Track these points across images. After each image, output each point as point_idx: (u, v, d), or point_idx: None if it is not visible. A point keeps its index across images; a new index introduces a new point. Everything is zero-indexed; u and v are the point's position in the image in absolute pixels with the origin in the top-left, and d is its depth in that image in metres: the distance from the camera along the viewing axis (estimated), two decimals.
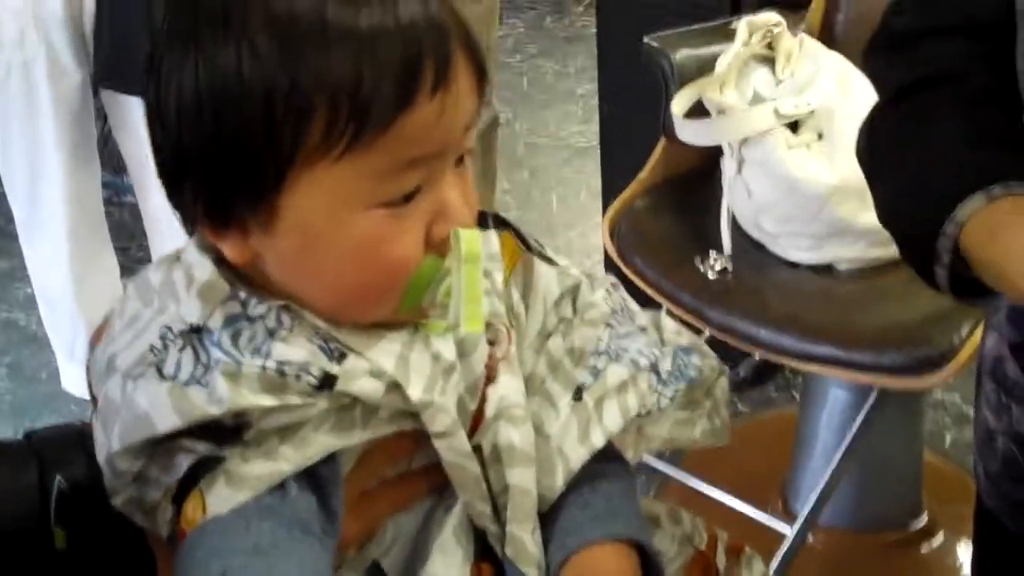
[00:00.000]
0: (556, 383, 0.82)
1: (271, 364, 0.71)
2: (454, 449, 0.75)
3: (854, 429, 1.96)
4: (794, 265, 1.85)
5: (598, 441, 0.79)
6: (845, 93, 1.86)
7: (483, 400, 0.77)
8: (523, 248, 0.83)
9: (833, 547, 2.12)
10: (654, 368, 0.82)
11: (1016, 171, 0.86)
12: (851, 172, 1.77)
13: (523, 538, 0.77)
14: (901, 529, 2.16)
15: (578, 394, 0.81)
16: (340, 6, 0.69)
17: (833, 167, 1.78)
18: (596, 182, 2.75)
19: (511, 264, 0.83)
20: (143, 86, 0.74)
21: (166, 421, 0.70)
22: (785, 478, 2.20)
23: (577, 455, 0.79)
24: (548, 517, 0.80)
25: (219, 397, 0.70)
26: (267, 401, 0.70)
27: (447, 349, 0.76)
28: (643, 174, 2.03)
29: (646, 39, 1.99)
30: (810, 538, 2.04)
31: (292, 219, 0.72)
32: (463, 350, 0.77)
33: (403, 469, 0.78)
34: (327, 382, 0.71)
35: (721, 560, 0.88)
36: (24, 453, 0.84)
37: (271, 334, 0.72)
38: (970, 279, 0.88)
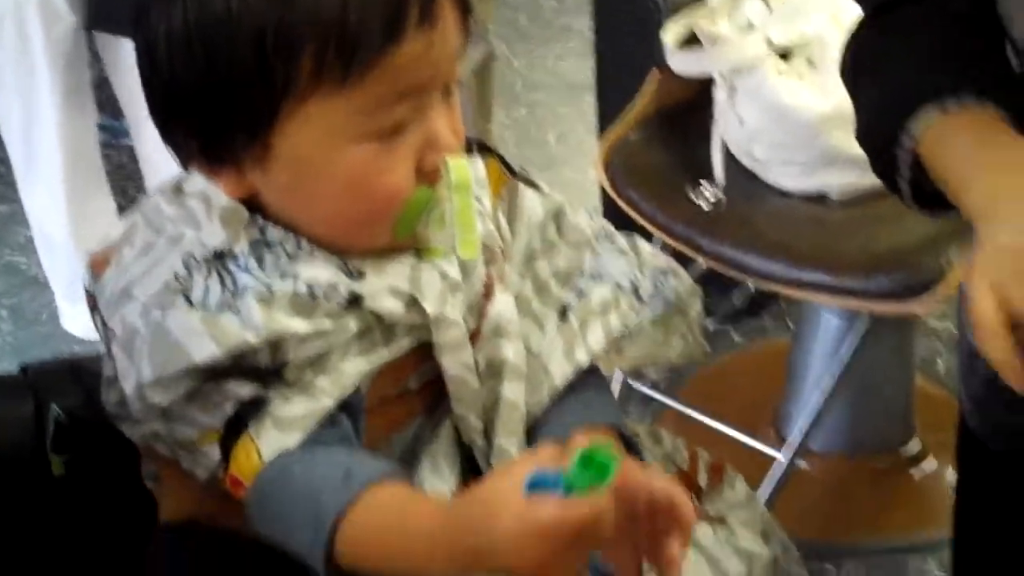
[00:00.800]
0: (542, 304, 0.85)
1: (301, 286, 0.74)
2: (460, 362, 0.79)
3: (845, 356, 1.99)
4: (786, 193, 1.87)
5: (583, 359, 0.83)
6: (837, 22, 1.87)
7: (481, 317, 0.80)
8: (508, 173, 0.86)
9: (826, 472, 2.16)
10: (635, 290, 0.86)
11: (977, 85, 0.87)
12: (842, 100, 1.75)
13: (510, 451, 0.81)
14: (893, 454, 2.20)
15: (563, 314, 0.84)
16: None
17: (825, 95, 1.79)
18: (592, 118, 2.75)
19: (497, 189, 0.85)
20: (133, 28, 0.76)
21: (203, 350, 0.72)
22: (778, 406, 2.23)
23: (562, 372, 0.83)
24: (531, 431, 0.83)
25: (255, 324, 0.72)
26: (301, 327, 0.73)
27: (452, 269, 0.79)
28: (635, 107, 2.04)
29: None
30: (804, 464, 2.08)
31: (286, 154, 0.74)
32: (464, 270, 0.80)
33: (402, 388, 0.81)
34: (355, 301, 0.74)
35: (703, 479, 0.91)
36: (20, 385, 0.87)
37: (292, 258, 0.75)
38: (933, 191, 0.90)
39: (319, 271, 0.75)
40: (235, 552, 0.79)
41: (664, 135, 2.02)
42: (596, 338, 0.84)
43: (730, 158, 1.91)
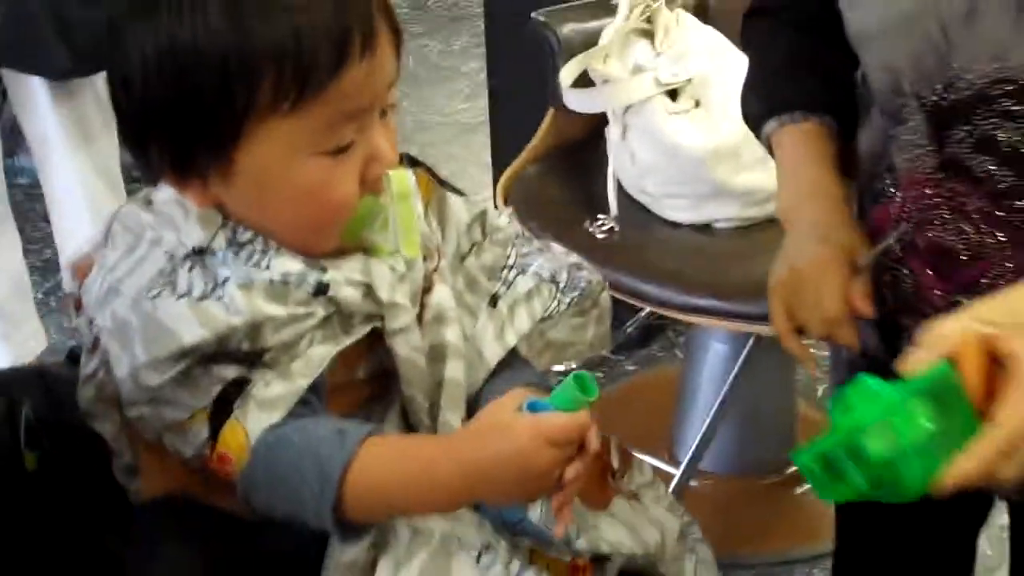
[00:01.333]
0: (473, 295, 0.95)
1: (276, 275, 0.82)
2: (409, 344, 0.88)
3: (732, 381, 2.11)
4: (675, 225, 1.98)
5: (511, 340, 0.93)
6: (719, 64, 1.99)
7: (423, 307, 0.89)
8: (435, 183, 0.94)
9: (717, 490, 2.26)
10: (553, 279, 0.97)
11: (809, 100, 1.10)
12: (727, 137, 1.91)
13: (454, 425, 0.90)
14: (777, 473, 2.31)
15: (493, 302, 0.96)
16: None
17: (710, 132, 1.90)
18: (485, 156, 2.85)
19: (427, 196, 0.94)
20: (108, 56, 0.83)
21: (192, 333, 0.80)
22: (670, 430, 2.33)
23: (493, 352, 0.94)
24: (469, 407, 0.93)
25: (237, 308, 0.81)
26: (278, 311, 0.81)
27: (398, 264, 0.89)
28: (534, 142, 2.14)
29: (534, 14, 2.09)
30: (696, 483, 2.19)
31: (248, 167, 0.82)
32: (407, 265, 0.89)
33: (352, 377, 0.88)
34: (321, 289, 0.83)
35: (616, 460, 0.99)
36: None
37: (263, 253, 0.83)
38: None
39: (289, 264, 0.84)
40: (214, 522, 0.85)
41: (560, 170, 2.12)
42: (522, 321, 0.95)
43: (623, 192, 2.02)
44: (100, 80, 2.39)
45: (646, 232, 1.97)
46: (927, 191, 1.00)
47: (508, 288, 0.96)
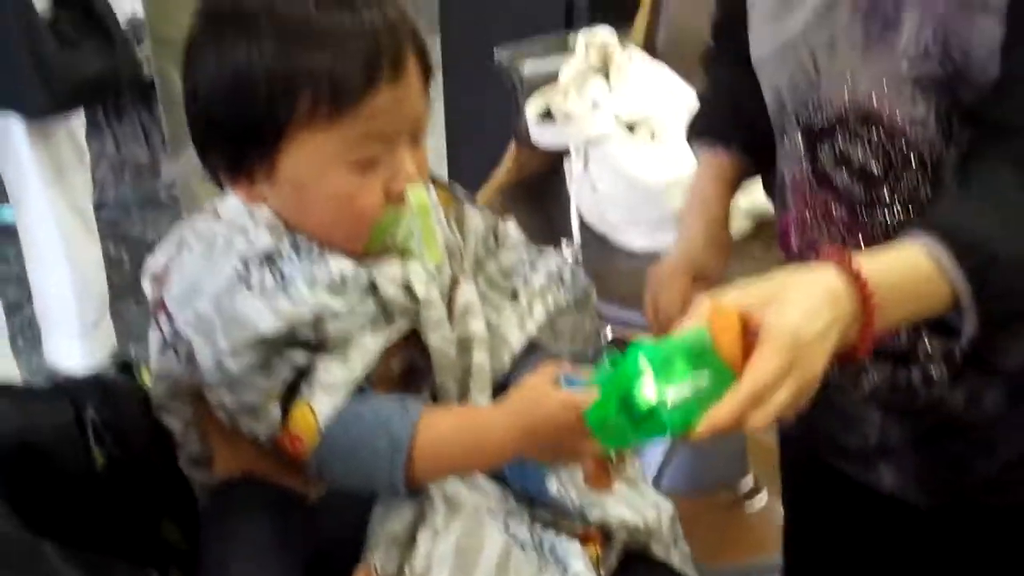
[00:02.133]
0: (494, 293, 1.07)
1: (334, 273, 0.93)
2: (442, 336, 0.99)
3: None
4: (633, 252, 2.09)
5: (532, 329, 1.06)
6: (671, 99, 2.12)
7: (451, 303, 0.99)
8: (454, 197, 1.04)
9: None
10: (560, 277, 1.10)
11: (724, 133, 1.26)
12: (681, 168, 2.03)
13: (483, 403, 1.01)
14: (730, 490, 2.42)
15: (515, 296, 1.07)
16: (321, 15, 0.92)
17: (666, 164, 2.02)
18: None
19: (447, 208, 1.04)
20: (184, 73, 0.96)
21: (267, 323, 0.91)
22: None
23: (517, 339, 1.06)
24: (495, 391, 1.03)
25: (304, 301, 0.92)
26: (338, 304, 0.92)
27: (428, 265, 0.99)
28: (497, 175, 2.24)
29: (496, 52, 2.20)
30: None
31: (287, 172, 0.94)
32: (437, 266, 0.99)
33: (387, 371, 0.99)
34: (372, 286, 0.94)
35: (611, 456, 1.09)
36: (59, 394, 0.99)
37: (321, 255, 0.95)
38: None
39: (343, 264, 0.95)
40: (280, 500, 0.95)
41: (523, 201, 2.23)
42: (539, 313, 1.07)
43: (584, 221, 2.13)
44: (75, 120, 2.46)
45: (606, 259, 2.08)
46: (807, 199, 1.14)
47: (526, 284, 1.08)
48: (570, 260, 1.14)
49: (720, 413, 0.85)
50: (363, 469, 0.93)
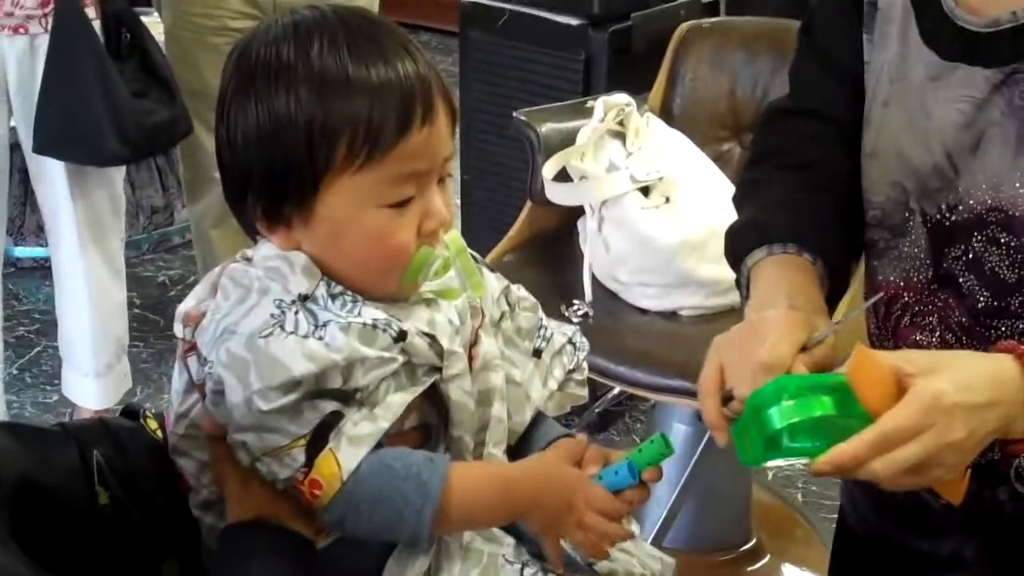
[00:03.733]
0: (514, 351, 1.10)
1: (368, 320, 0.96)
2: (462, 388, 1.01)
3: (695, 458, 2.24)
4: (644, 311, 2.13)
5: (552, 386, 1.12)
6: (686, 163, 2.17)
7: (472, 357, 1.03)
8: (472, 259, 1.08)
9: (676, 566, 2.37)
10: (571, 340, 1.14)
11: (794, 235, 1.12)
12: (694, 231, 2.07)
13: (498, 456, 1.05)
14: (732, 550, 2.44)
15: (537, 354, 1.12)
16: (358, 66, 0.96)
17: (679, 226, 2.06)
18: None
19: None
20: (216, 123, 0.99)
21: (301, 366, 0.93)
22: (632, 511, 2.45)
23: (539, 395, 1.10)
24: (515, 448, 1.08)
25: (337, 346, 0.94)
26: (370, 352, 0.95)
27: (453, 315, 1.02)
28: (511, 233, 2.28)
29: (516, 114, 2.25)
30: None
31: (324, 215, 0.97)
32: (462, 318, 1.03)
33: (402, 426, 1.01)
34: (401, 335, 0.97)
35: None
36: (65, 436, 1.02)
37: (355, 302, 0.98)
38: None
39: (375, 312, 0.98)
40: (292, 543, 0.97)
41: (536, 258, 2.27)
42: (558, 371, 1.12)
43: (596, 280, 2.17)
44: (116, 174, 2.51)
45: (617, 317, 2.12)
46: (923, 302, 1.10)
47: (547, 343, 1.12)
48: (582, 318, 1.18)
49: (843, 450, 0.88)
50: (389, 518, 0.96)
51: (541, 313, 1.14)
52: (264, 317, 0.95)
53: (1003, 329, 1.06)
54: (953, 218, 1.06)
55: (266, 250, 1.01)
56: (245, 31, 1.03)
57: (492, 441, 1.04)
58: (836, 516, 1.37)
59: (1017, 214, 1.02)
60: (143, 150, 2.45)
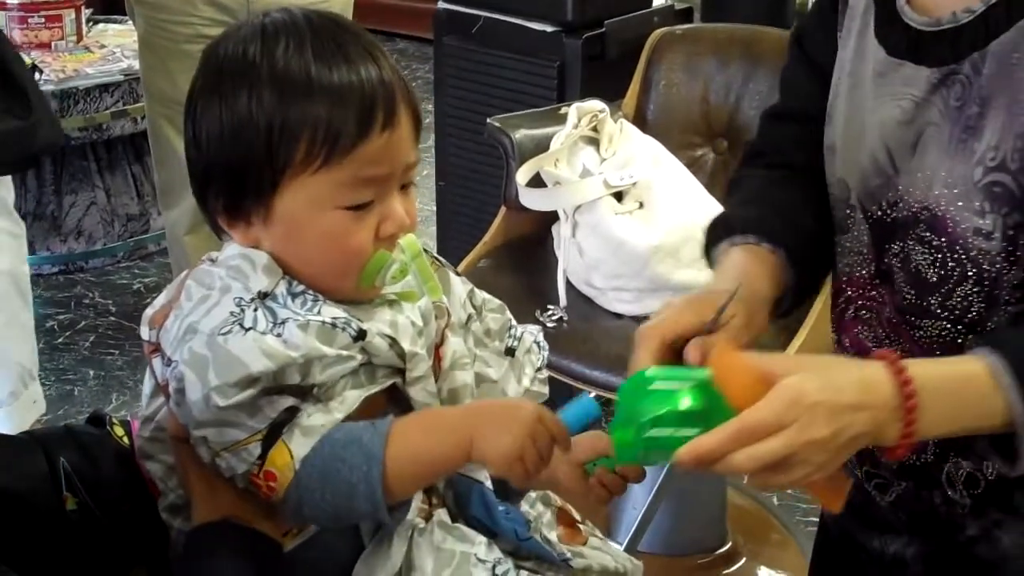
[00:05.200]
0: (485, 351, 1.12)
1: (327, 318, 0.97)
2: (426, 390, 1.03)
3: (667, 466, 2.25)
4: (619, 316, 2.13)
5: (525, 383, 1.13)
6: (659, 169, 2.18)
7: (438, 358, 1.04)
8: (437, 261, 1.09)
9: (652, 570, 2.36)
10: (537, 340, 1.16)
11: (760, 229, 1.15)
12: (668, 236, 2.08)
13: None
14: (708, 553, 2.45)
15: (510, 352, 1.13)
16: (320, 68, 0.98)
17: (653, 231, 2.07)
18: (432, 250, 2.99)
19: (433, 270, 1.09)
20: (185, 121, 1.01)
21: (257, 363, 0.94)
22: (607, 511, 2.46)
23: (515, 392, 1.12)
24: None
25: (295, 344, 0.95)
26: (328, 350, 0.96)
27: (416, 317, 1.03)
28: (486, 238, 2.29)
29: (489, 120, 2.26)
30: None
31: (282, 213, 0.99)
32: (425, 319, 1.03)
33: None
34: (361, 334, 0.98)
35: (576, 515, 1.14)
36: (31, 444, 1.03)
37: (315, 301, 0.99)
38: None
39: (335, 310, 0.99)
40: (256, 543, 0.98)
41: (511, 263, 2.28)
42: (530, 369, 1.14)
43: (570, 285, 2.17)
44: (4, 187, 2.46)
45: (592, 322, 2.13)
46: (863, 296, 1.13)
47: (519, 342, 1.14)
48: (557, 323, 1.19)
49: (704, 442, 0.88)
50: (340, 491, 0.95)
51: (508, 314, 1.15)
52: (224, 315, 0.96)
53: (923, 329, 1.08)
54: (894, 215, 1.08)
55: (230, 250, 1.02)
56: None
57: None
58: (811, 519, 1.38)
59: (939, 214, 1.04)
60: (9, 166, 2.32)
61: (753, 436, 0.88)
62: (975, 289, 1.04)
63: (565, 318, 2.11)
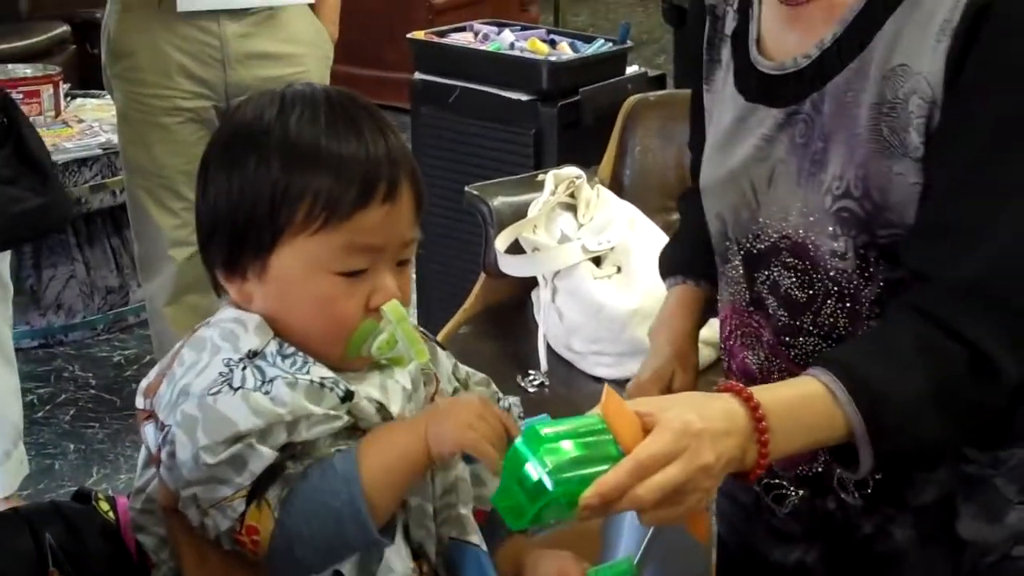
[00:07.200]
0: None
1: (315, 378, 0.99)
2: None
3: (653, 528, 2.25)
4: (599, 380, 2.15)
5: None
6: (636, 233, 2.21)
7: None
8: (424, 335, 1.11)
9: None
10: (511, 407, 1.18)
11: (691, 269, 1.35)
12: (646, 299, 2.11)
13: (468, 515, 1.06)
14: None
15: None
16: (330, 138, 1.01)
17: (631, 295, 2.10)
18: (412, 320, 3.00)
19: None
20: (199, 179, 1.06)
21: (246, 420, 0.96)
22: None
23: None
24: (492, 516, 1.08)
25: (283, 401, 0.97)
26: (316, 409, 0.98)
27: (407, 382, 1.05)
28: (465, 306, 2.31)
29: (467, 188, 2.29)
30: None
31: (277, 271, 1.02)
32: (415, 384, 1.05)
33: None
34: (348, 396, 1.00)
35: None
36: (17, 520, 1.04)
37: (305, 361, 1.01)
38: None
39: (324, 371, 1.01)
40: None
41: (490, 329, 2.30)
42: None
43: (551, 350, 2.19)
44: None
45: (573, 386, 2.14)
46: (742, 321, 1.21)
47: (508, 412, 1.13)
48: (538, 388, 1.21)
49: (606, 480, 0.90)
50: (328, 522, 0.97)
51: (494, 387, 1.17)
52: (213, 376, 0.98)
53: (798, 348, 1.16)
54: (760, 246, 1.17)
55: (225, 313, 1.04)
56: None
57: (461, 502, 1.06)
58: None
59: (799, 240, 1.13)
60: (5, 238, 2.36)
61: (650, 469, 0.91)
62: (839, 306, 1.13)
63: (546, 383, 2.13)
